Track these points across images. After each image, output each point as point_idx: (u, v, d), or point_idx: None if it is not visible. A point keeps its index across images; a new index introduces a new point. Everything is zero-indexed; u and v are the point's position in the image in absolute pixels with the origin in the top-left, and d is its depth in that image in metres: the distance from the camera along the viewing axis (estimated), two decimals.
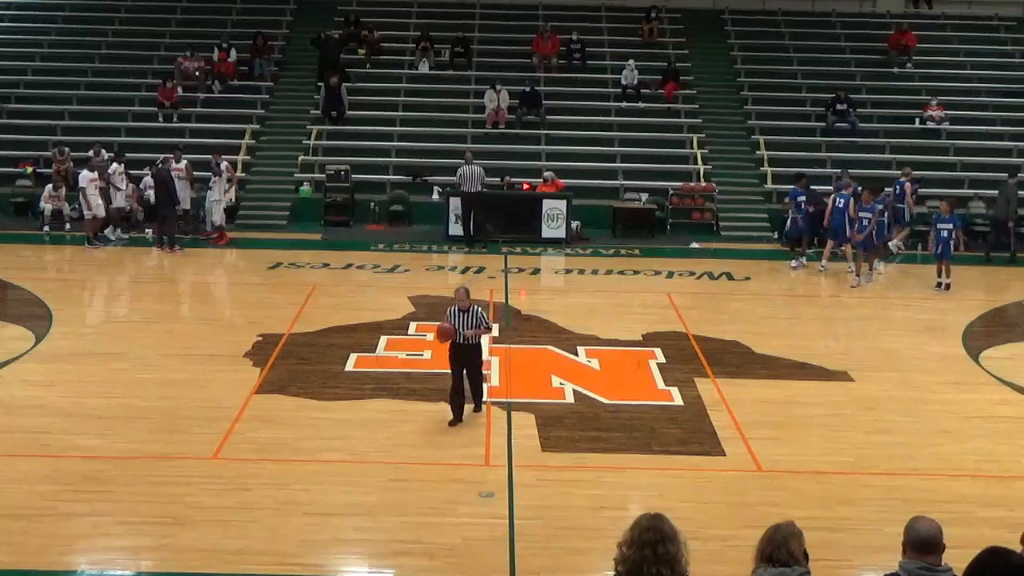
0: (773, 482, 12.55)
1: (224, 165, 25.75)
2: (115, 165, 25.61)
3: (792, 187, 24.95)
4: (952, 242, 21.65)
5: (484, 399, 14.37)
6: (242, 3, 34.66)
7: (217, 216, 25.37)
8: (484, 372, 16.20)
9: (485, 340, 15.42)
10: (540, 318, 19.40)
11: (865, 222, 22.34)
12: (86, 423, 13.79)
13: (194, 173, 25.81)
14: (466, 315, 13.66)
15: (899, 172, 26.97)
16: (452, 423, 13.85)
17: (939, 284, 21.77)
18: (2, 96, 30.69)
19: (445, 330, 13.74)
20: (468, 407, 14.16)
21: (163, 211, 24.60)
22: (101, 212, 24.96)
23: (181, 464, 12.56)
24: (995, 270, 24.34)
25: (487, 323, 14.06)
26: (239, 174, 28.36)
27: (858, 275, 22.31)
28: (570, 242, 26.26)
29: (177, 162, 25.54)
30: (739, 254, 25.48)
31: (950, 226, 21.66)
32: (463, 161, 26.19)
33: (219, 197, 25.44)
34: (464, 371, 13.88)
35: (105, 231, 25.35)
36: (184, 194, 25.31)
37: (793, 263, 23.95)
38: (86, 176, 24.82)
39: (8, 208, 27.63)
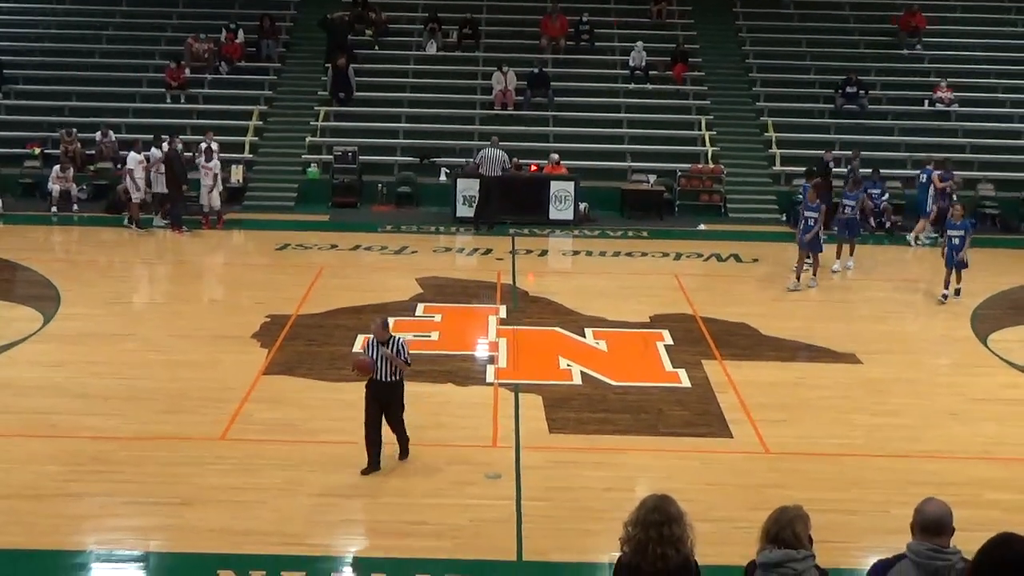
0: (780, 464, 12.56)
1: (215, 145, 25.50)
2: (155, 150, 25.02)
3: (804, 183, 23.16)
4: (963, 249, 19.68)
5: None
6: None
7: (216, 201, 24.86)
8: (491, 353, 16.32)
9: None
10: (548, 300, 19.39)
11: (811, 222, 20.24)
12: (94, 404, 13.83)
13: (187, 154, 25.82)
14: (386, 348, 11.85)
15: (906, 155, 26.89)
16: (366, 471, 11.87)
17: (945, 295, 19.76)
18: (10, 77, 30.67)
19: (362, 364, 11.91)
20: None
21: (172, 192, 24.58)
22: (144, 195, 24.55)
23: (189, 445, 12.61)
24: (1003, 252, 24.26)
25: (407, 358, 11.98)
26: (246, 155, 28.38)
27: (797, 277, 20.50)
28: (578, 224, 26.21)
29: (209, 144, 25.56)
30: (747, 236, 25.42)
31: (961, 232, 19.75)
32: (488, 143, 26.02)
33: (214, 183, 24.78)
34: (383, 414, 11.99)
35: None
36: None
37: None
38: (134, 158, 24.47)
39: (16, 189, 27.64)
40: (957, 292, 19.87)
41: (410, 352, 12.12)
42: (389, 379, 11.85)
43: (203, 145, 25.42)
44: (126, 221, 24.62)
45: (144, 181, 24.51)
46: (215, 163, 25.02)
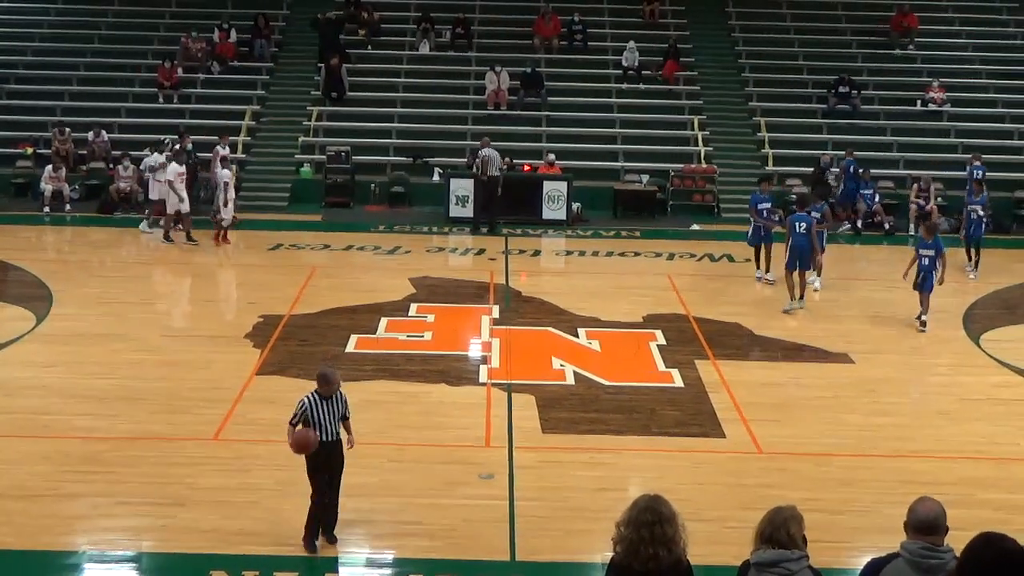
0: (773, 464, 12.57)
1: (227, 150, 24.95)
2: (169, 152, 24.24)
3: (754, 192, 22.02)
4: (935, 272, 17.82)
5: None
6: None
7: (229, 213, 23.33)
8: (484, 353, 16.32)
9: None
10: (540, 300, 19.39)
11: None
12: (86, 404, 13.81)
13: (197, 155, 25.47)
14: (329, 403, 10.21)
15: (899, 155, 26.94)
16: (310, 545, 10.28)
17: (924, 321, 18.03)
18: (2, 76, 30.62)
19: (303, 441, 10.05)
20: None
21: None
22: (179, 207, 23.13)
23: (182, 445, 12.59)
24: (995, 252, 24.27)
25: (347, 411, 10.42)
26: (239, 155, 28.33)
27: (799, 297, 19.05)
28: (571, 224, 26.21)
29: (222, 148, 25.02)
30: (740, 236, 25.26)
31: (932, 253, 17.80)
32: (479, 143, 25.82)
33: (231, 195, 23.29)
34: (330, 477, 10.30)
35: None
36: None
37: (759, 275, 21.11)
38: (174, 169, 23.10)
39: (8, 189, 27.58)
40: (918, 317, 18.08)
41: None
42: (333, 437, 10.23)
43: (219, 150, 24.70)
44: (185, 238, 23.15)
45: (183, 192, 23.16)
46: (228, 172, 23.81)
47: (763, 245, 21.05)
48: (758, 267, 21.23)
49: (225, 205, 23.01)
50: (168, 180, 23.23)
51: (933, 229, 18.63)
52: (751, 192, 27.34)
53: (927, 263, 17.90)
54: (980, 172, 25.41)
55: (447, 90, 31.05)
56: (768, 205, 21.33)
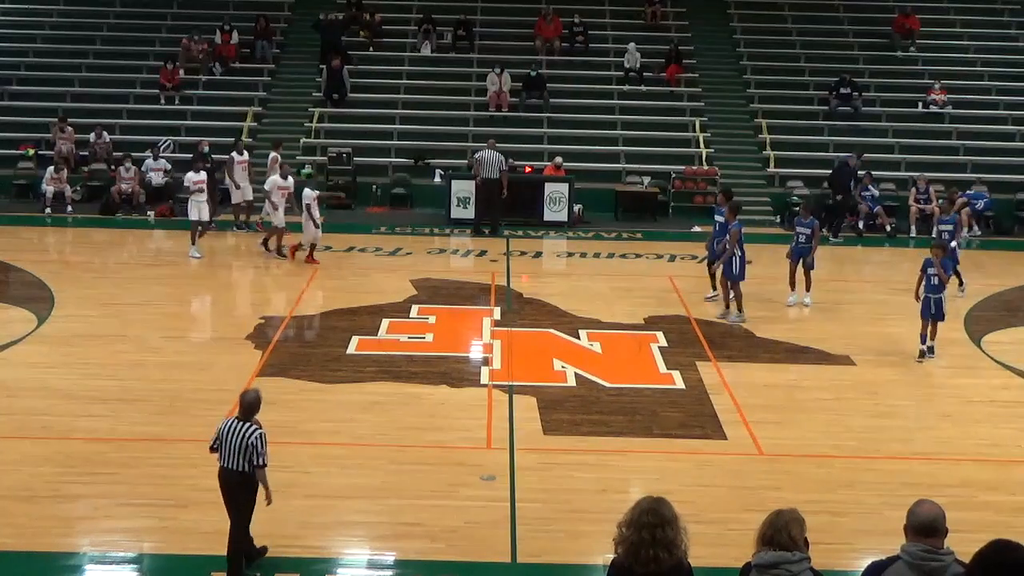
0: (774, 466, 12.56)
1: (272, 156, 23.91)
2: (237, 155, 24.05)
3: (715, 205, 20.55)
4: (944, 296, 16.51)
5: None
6: None
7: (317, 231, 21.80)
8: (485, 355, 16.33)
9: None
10: (542, 301, 19.39)
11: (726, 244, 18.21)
12: (88, 405, 13.80)
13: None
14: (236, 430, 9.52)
15: (900, 157, 26.90)
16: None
17: (923, 352, 16.55)
18: (4, 77, 30.64)
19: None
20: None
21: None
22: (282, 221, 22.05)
23: (183, 446, 12.57)
24: (997, 254, 24.28)
25: (263, 457, 9.65)
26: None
27: (728, 308, 18.39)
28: (572, 225, 26.21)
29: (240, 153, 24.61)
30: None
31: (941, 272, 16.35)
32: (484, 145, 25.73)
33: (316, 214, 21.64)
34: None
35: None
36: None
37: (711, 294, 19.59)
38: (275, 181, 22.02)
39: (10, 190, 27.58)
40: (931, 350, 16.64)
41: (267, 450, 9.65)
42: (238, 467, 9.52)
43: (274, 157, 23.73)
44: (277, 252, 22.18)
45: (281, 203, 21.95)
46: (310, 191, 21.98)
47: (714, 261, 19.25)
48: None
49: (316, 225, 21.60)
50: (267, 191, 22.10)
51: (944, 247, 17.11)
52: (752, 194, 27.60)
53: (937, 283, 16.38)
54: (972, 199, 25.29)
55: (448, 92, 31.05)
56: (721, 219, 19.14)
